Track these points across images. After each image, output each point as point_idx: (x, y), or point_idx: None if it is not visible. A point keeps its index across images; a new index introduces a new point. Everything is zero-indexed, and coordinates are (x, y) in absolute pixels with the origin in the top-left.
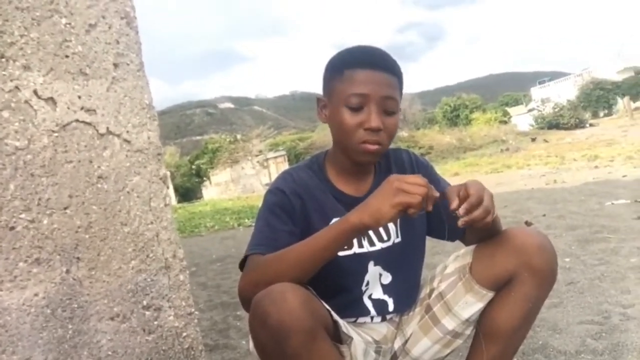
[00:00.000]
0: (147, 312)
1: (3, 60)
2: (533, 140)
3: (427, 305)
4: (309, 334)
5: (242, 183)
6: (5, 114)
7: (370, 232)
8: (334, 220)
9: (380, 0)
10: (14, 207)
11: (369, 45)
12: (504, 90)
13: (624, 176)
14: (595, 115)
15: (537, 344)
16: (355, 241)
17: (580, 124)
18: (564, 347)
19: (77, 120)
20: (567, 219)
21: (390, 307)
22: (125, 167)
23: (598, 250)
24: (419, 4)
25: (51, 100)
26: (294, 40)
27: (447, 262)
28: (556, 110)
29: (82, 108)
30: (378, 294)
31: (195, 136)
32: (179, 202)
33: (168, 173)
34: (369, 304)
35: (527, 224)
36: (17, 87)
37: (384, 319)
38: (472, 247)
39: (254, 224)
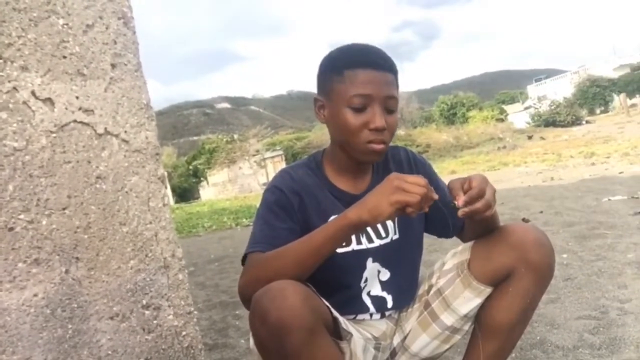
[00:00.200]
0: (147, 312)
1: (1, 61)
2: (530, 137)
3: (426, 302)
4: (309, 330)
5: (240, 183)
6: (4, 115)
7: (369, 229)
8: (332, 217)
9: None
10: (12, 207)
11: (364, 44)
12: (500, 88)
13: (620, 173)
14: (591, 112)
15: (535, 339)
16: (353, 238)
17: (576, 121)
18: (561, 342)
19: (75, 121)
20: (564, 216)
21: (389, 304)
22: (124, 167)
23: (595, 246)
24: (415, 3)
25: (49, 101)
26: (290, 39)
27: (445, 259)
28: (553, 107)
29: (80, 108)
30: (377, 290)
31: (192, 136)
32: (176, 202)
33: (166, 173)
34: (367, 301)
35: (525, 220)
36: (15, 88)
37: (383, 316)
38: (470, 243)
39: (252, 224)
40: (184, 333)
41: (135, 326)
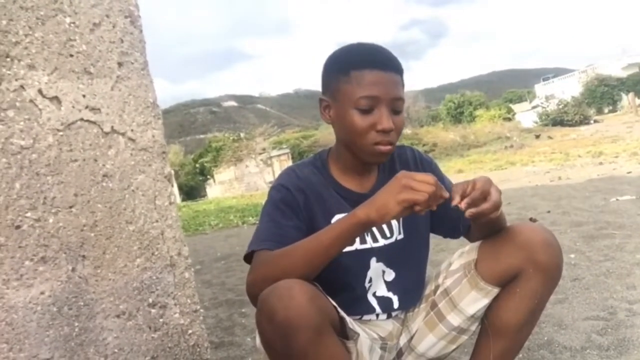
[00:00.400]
0: (153, 310)
1: (8, 59)
2: (537, 137)
3: (433, 302)
4: (316, 330)
5: (246, 181)
6: (11, 113)
7: (374, 228)
8: (337, 216)
9: None
10: (19, 206)
11: (369, 43)
12: (507, 87)
13: (628, 172)
14: (599, 111)
15: (543, 339)
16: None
17: (584, 121)
18: (569, 342)
19: (81, 119)
20: (572, 216)
21: (395, 305)
22: (130, 165)
23: (603, 246)
24: (422, 1)
25: (56, 100)
26: (298, 38)
27: (452, 259)
28: (560, 106)
29: (86, 107)
30: (382, 291)
31: (199, 135)
32: (183, 200)
33: (172, 171)
34: (373, 301)
35: (532, 220)
36: (22, 87)
37: (389, 316)
38: (477, 243)
39: (258, 222)
40: (190, 331)
41: (142, 324)
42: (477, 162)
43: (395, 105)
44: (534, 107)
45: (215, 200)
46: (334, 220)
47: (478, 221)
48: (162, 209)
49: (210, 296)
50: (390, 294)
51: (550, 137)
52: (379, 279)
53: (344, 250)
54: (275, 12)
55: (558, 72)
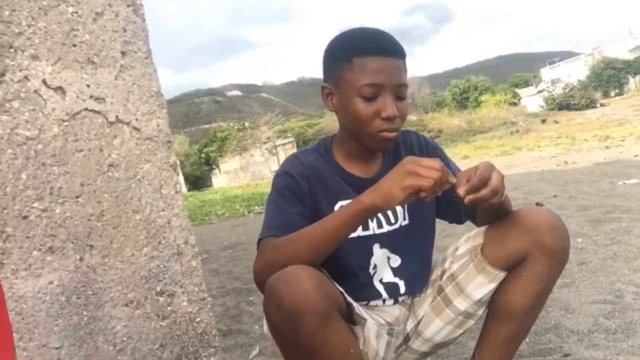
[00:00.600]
0: (161, 298)
1: (12, 50)
2: (543, 121)
3: (439, 287)
4: (323, 315)
5: (252, 170)
6: (15, 104)
7: (379, 214)
8: (342, 202)
9: None
10: (26, 196)
11: (371, 28)
12: (513, 72)
13: (635, 156)
14: (606, 95)
15: (550, 323)
16: None
17: (591, 104)
18: (576, 326)
19: (86, 109)
20: (579, 200)
21: (402, 290)
22: (136, 155)
23: (610, 230)
24: None
25: (60, 90)
26: (301, 26)
27: (458, 244)
28: (566, 90)
29: (91, 97)
30: (388, 277)
31: (204, 124)
32: (189, 190)
33: (177, 161)
34: (380, 287)
35: (538, 204)
36: (26, 77)
37: (396, 302)
38: (483, 227)
39: (264, 210)
40: (198, 319)
41: (150, 313)
42: (483, 148)
43: (399, 92)
44: (539, 92)
45: (221, 190)
46: (338, 205)
47: (479, 207)
48: (168, 198)
49: (218, 285)
50: (396, 280)
51: (556, 122)
52: (384, 265)
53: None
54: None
55: (564, 56)
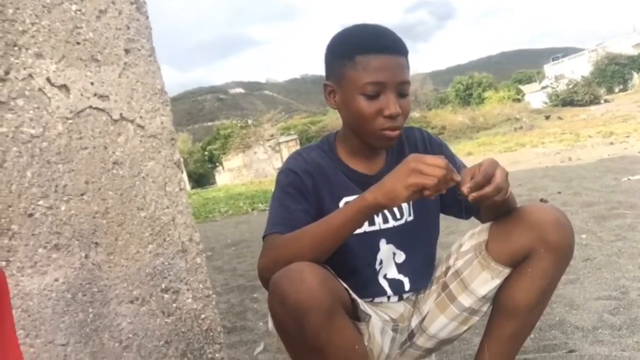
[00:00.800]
0: (166, 295)
1: (16, 48)
2: (547, 117)
3: (444, 283)
4: (328, 312)
5: (255, 168)
6: (20, 102)
7: (385, 210)
8: (346, 198)
9: None
10: (31, 194)
11: (373, 25)
12: (516, 68)
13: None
14: (610, 91)
15: (554, 320)
16: None
17: (594, 100)
18: (581, 322)
19: (90, 107)
20: (583, 196)
21: (407, 287)
22: (140, 152)
23: (615, 226)
24: None
25: (64, 88)
26: (304, 23)
27: (462, 240)
28: (570, 86)
29: (95, 94)
30: (393, 273)
31: (207, 122)
32: (192, 188)
33: (182, 158)
34: (384, 284)
35: (543, 201)
36: (30, 75)
37: (400, 298)
38: (487, 224)
39: (267, 208)
40: (203, 316)
41: (155, 309)
42: (487, 145)
43: (402, 89)
44: (543, 88)
45: (225, 188)
46: (342, 202)
47: (483, 204)
48: (173, 195)
49: (222, 282)
50: (401, 276)
51: (560, 118)
52: (389, 261)
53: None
54: None
55: (567, 52)
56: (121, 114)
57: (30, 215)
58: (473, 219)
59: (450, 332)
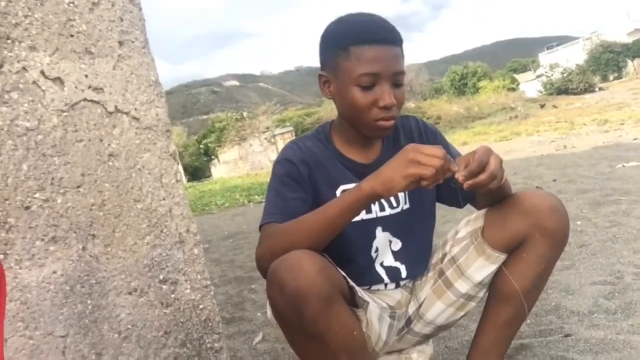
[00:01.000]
0: (164, 286)
1: (9, 41)
2: (542, 106)
3: (440, 270)
4: (326, 299)
5: (251, 160)
6: (14, 95)
7: None
8: (342, 187)
9: None
10: (28, 187)
11: (367, 15)
12: (511, 57)
13: (634, 139)
14: (604, 79)
15: (550, 305)
16: None
17: (589, 89)
18: (577, 307)
19: (85, 99)
20: (578, 183)
21: (403, 274)
22: (135, 144)
23: (610, 212)
24: None
25: (58, 80)
26: (298, 14)
27: (458, 227)
28: (565, 75)
29: (89, 87)
30: (390, 261)
31: (202, 115)
32: (188, 181)
33: (177, 150)
34: (381, 271)
35: (538, 189)
36: (24, 68)
37: (397, 286)
38: (483, 210)
39: (264, 200)
40: (201, 306)
41: (154, 300)
42: (482, 134)
43: (396, 79)
44: (538, 77)
45: (221, 180)
46: (339, 190)
47: (478, 192)
48: (169, 187)
49: (220, 274)
50: (397, 264)
51: (555, 106)
52: (386, 249)
53: None
54: None
55: (562, 40)
56: (116, 106)
57: (27, 208)
58: (468, 207)
59: (447, 318)
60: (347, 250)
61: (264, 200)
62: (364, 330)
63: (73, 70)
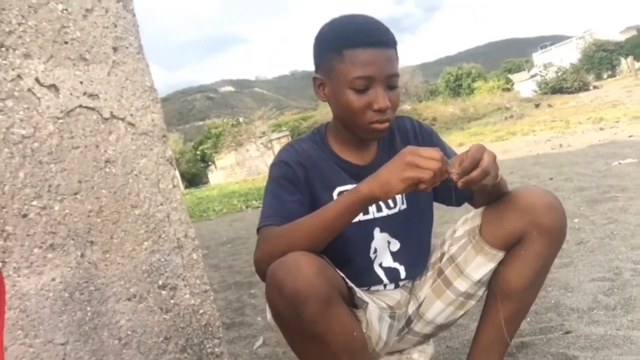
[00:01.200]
0: (163, 292)
1: (3, 49)
2: (537, 106)
3: (439, 269)
4: (325, 300)
5: (248, 165)
6: (10, 103)
7: None
8: (339, 188)
9: None
10: (25, 194)
11: (361, 17)
12: (504, 58)
13: (630, 136)
14: (598, 77)
15: (550, 302)
16: None
17: (584, 87)
18: (576, 304)
19: (80, 106)
20: (575, 181)
21: (402, 275)
22: (132, 150)
23: (607, 209)
24: None
25: (53, 87)
26: (292, 18)
27: (456, 226)
28: (559, 74)
29: (84, 93)
30: (388, 262)
31: (198, 122)
32: (185, 188)
33: (173, 156)
34: (380, 272)
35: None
36: (19, 76)
37: (396, 286)
38: (480, 209)
39: (262, 205)
40: (201, 311)
41: (153, 306)
42: (478, 135)
43: (391, 81)
44: (532, 76)
45: (218, 186)
46: (335, 192)
47: (475, 189)
48: (166, 192)
49: (219, 279)
50: (396, 265)
51: (550, 106)
52: (384, 250)
53: None
54: None
55: (555, 40)
56: (111, 112)
57: (25, 215)
58: (466, 206)
59: (447, 317)
60: (346, 252)
61: (261, 205)
62: (364, 330)
63: (68, 77)
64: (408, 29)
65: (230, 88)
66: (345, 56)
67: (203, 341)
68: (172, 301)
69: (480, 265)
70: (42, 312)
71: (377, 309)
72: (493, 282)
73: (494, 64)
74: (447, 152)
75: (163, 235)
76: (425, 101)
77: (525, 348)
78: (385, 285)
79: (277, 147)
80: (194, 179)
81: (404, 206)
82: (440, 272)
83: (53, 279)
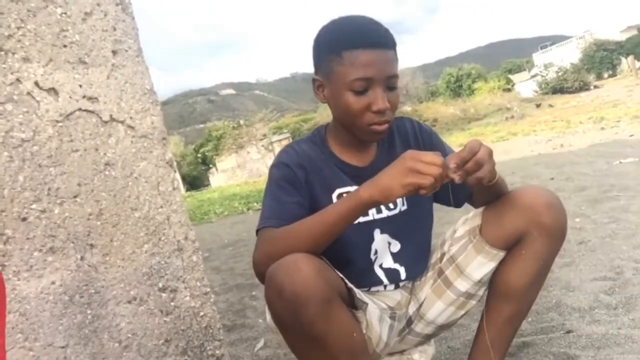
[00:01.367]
0: (164, 294)
1: (2, 53)
2: (538, 106)
3: (439, 269)
4: (325, 301)
5: (249, 168)
6: (9, 106)
7: None
8: (338, 190)
9: None
10: (24, 198)
11: (359, 18)
12: (505, 58)
13: (631, 135)
14: (599, 77)
15: (551, 302)
16: None
17: (584, 87)
18: (577, 304)
19: (80, 109)
20: (576, 181)
21: (403, 276)
22: (132, 153)
23: (608, 208)
24: None
25: (53, 91)
26: (292, 21)
27: (456, 226)
28: (560, 74)
29: (84, 97)
30: (388, 263)
31: (198, 124)
32: (187, 190)
33: (173, 158)
34: (380, 273)
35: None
36: (18, 80)
37: (397, 287)
38: (480, 209)
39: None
40: (201, 313)
41: (153, 309)
42: (479, 135)
43: (390, 83)
44: (533, 77)
45: (219, 189)
46: (335, 194)
47: (470, 184)
48: (166, 195)
49: (220, 282)
50: (396, 266)
51: (550, 106)
52: (385, 251)
53: None
54: None
55: (556, 40)
56: (111, 115)
57: (24, 219)
58: (466, 207)
59: (448, 317)
60: (346, 253)
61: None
62: (364, 331)
63: (67, 81)
64: (409, 30)
65: (231, 91)
66: (344, 58)
67: (204, 343)
68: (172, 304)
69: (481, 265)
70: (42, 316)
71: (377, 309)
72: (494, 282)
73: (495, 64)
74: (447, 152)
75: (163, 238)
76: (426, 102)
77: (527, 348)
78: (385, 286)
79: (277, 149)
80: (195, 181)
81: (404, 207)
82: (441, 273)
83: (53, 282)
